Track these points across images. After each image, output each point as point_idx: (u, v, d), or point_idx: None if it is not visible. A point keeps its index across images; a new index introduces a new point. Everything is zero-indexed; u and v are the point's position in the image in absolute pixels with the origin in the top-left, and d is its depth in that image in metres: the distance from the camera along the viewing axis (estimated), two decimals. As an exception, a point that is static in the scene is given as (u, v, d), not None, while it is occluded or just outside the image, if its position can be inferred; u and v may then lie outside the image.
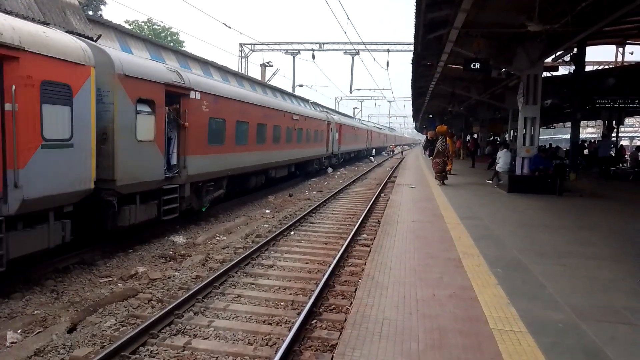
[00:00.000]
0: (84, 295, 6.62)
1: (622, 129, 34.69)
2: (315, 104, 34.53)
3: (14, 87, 6.02)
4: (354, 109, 70.45)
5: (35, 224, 6.66)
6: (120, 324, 5.67)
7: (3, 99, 6.00)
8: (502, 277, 5.55)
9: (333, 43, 36.08)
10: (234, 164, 13.44)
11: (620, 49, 25.49)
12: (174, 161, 10.38)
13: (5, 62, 5.97)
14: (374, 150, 51.56)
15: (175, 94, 10.14)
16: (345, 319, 5.44)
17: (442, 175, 16.59)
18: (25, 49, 6.17)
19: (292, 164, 20.59)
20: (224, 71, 19.19)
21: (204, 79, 12.58)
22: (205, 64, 17.67)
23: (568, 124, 29.22)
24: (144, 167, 9.02)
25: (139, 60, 9.82)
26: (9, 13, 7.23)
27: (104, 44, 9.07)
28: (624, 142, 45.53)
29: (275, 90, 26.51)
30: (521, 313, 4.42)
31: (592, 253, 6.88)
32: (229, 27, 20.96)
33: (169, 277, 7.57)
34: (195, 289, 6.58)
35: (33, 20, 7.86)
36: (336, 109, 52.43)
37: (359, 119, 64.33)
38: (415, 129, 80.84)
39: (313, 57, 35.09)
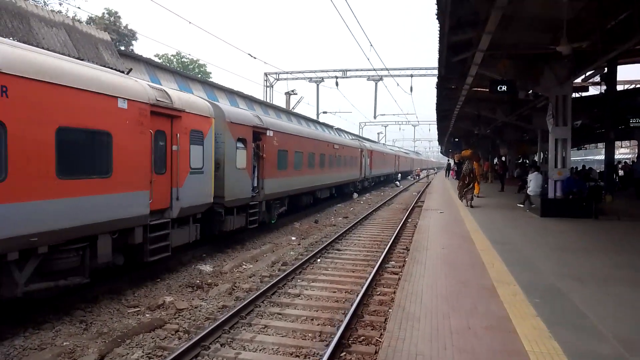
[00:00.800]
0: (112, 326, 6.61)
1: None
2: (343, 131, 38.20)
3: (178, 135, 9.15)
4: (378, 134, 70.47)
5: (182, 226, 9.65)
6: (147, 356, 5.61)
7: (172, 143, 9.07)
8: (541, 306, 5.26)
9: (356, 70, 36.39)
10: (293, 186, 16.70)
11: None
12: (254, 184, 13.40)
13: (174, 120, 9.16)
14: (399, 174, 51.26)
15: (257, 133, 13.28)
16: (376, 352, 5.24)
17: (468, 197, 16.93)
18: (185, 110, 9.36)
19: (333, 187, 23.61)
20: (279, 110, 23.51)
21: (274, 120, 16.70)
22: (251, 101, 20.74)
23: (600, 145, 28.39)
24: (240, 188, 12.23)
25: (238, 110, 14.01)
26: (46, 49, 7.56)
27: (134, 76, 9.41)
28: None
29: (318, 123, 31.24)
30: (564, 347, 4.15)
31: (634, 278, 6.49)
32: (254, 58, 21.42)
33: (195, 307, 7.51)
34: (221, 320, 6.50)
35: (69, 55, 8.23)
36: (360, 134, 52.64)
37: (387, 145, 64.67)
38: (441, 152, 79.98)
39: (337, 84, 35.43)
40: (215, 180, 10.69)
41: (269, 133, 14.06)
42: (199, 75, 39.50)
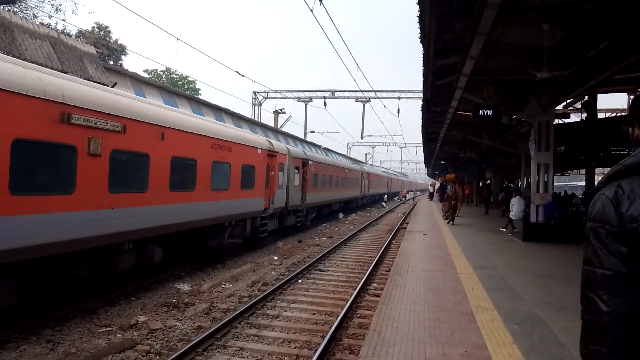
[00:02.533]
0: (81, 346, 6.37)
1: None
2: (347, 157, 46.80)
3: (274, 166, 15.27)
4: (366, 154, 70.90)
5: (272, 219, 15.91)
6: (114, 379, 5.39)
7: (271, 170, 15.08)
8: (519, 334, 5.20)
9: (344, 91, 36.77)
10: (320, 199, 23.37)
11: (632, 97, 25.47)
12: (300, 196, 19.44)
13: (271, 157, 15.02)
14: (385, 196, 51.55)
15: (303, 162, 19.80)
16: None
17: (450, 215, 19.27)
18: (278, 152, 15.86)
19: (342, 201, 30.53)
20: (267, 128, 28.07)
21: (312, 153, 25.09)
22: (238, 119, 25.32)
23: (582, 171, 28.83)
24: (295, 198, 18.52)
25: (296, 148, 21.48)
26: (29, 61, 7.48)
27: (119, 91, 9.30)
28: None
29: (307, 142, 36.77)
30: (540, 376, 4.08)
31: (614, 308, 6.47)
32: (242, 75, 21.50)
33: (169, 327, 7.29)
34: (195, 341, 6.31)
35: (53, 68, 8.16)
36: (348, 155, 52.97)
37: (379, 167, 66.30)
38: (428, 174, 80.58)
39: (325, 104, 35.74)
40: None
41: (309, 162, 20.49)
42: (188, 92, 39.51)
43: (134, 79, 13.75)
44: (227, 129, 12.59)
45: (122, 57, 39.07)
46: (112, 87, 10.06)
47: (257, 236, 14.49)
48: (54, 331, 6.89)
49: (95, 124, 7.21)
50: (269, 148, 14.81)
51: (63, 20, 31.00)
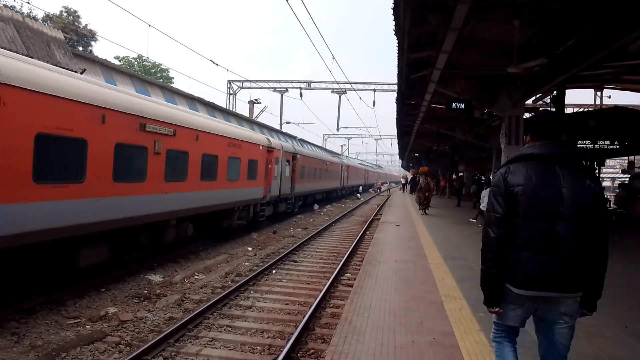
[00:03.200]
0: (48, 339, 6.24)
1: (603, 170, 35.39)
2: (328, 150, 49.19)
3: (271, 160, 17.88)
4: (342, 146, 71.12)
5: (268, 205, 18.39)
6: (83, 371, 5.32)
7: (268, 163, 17.59)
8: (485, 322, 5.36)
9: (320, 82, 36.69)
10: (307, 189, 26.08)
11: (599, 93, 26.29)
12: (290, 186, 22.03)
13: (269, 152, 17.54)
14: (360, 187, 51.99)
15: (293, 156, 22.13)
16: (322, 366, 5.17)
17: (424, 205, 20.65)
18: (274, 148, 18.55)
19: (324, 192, 33.42)
20: (242, 119, 28.69)
21: (300, 148, 27.38)
22: (212, 108, 25.76)
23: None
24: (286, 188, 21.00)
25: (287, 144, 23.73)
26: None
27: (88, 77, 9.15)
28: (606, 183, 46.23)
29: (282, 134, 37.75)
30: (504, 361, 4.22)
31: (576, 296, 6.74)
32: (217, 65, 21.20)
33: (140, 319, 7.22)
34: (166, 332, 6.27)
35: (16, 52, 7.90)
36: (324, 147, 53.06)
37: (356, 159, 67.23)
38: (402, 167, 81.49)
39: (301, 95, 35.61)
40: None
41: (298, 156, 22.88)
42: (161, 80, 38.70)
43: (104, 66, 13.37)
44: (238, 130, 15.63)
45: (92, 43, 37.98)
46: (81, 74, 9.80)
47: (257, 219, 17.39)
48: (19, 323, 6.72)
49: (158, 130, 9.66)
50: (267, 145, 17.64)
51: (28, 2, 29.85)
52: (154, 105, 9.99)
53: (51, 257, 7.78)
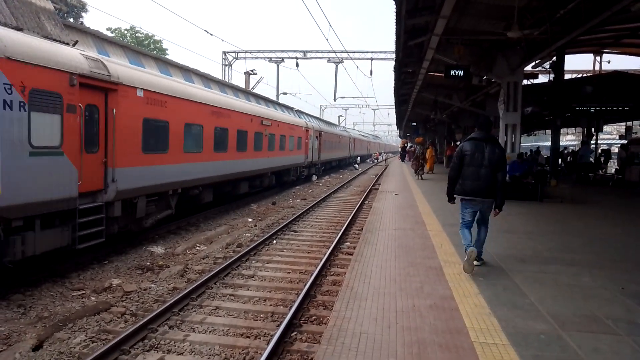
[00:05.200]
0: (54, 310, 6.35)
1: (600, 136, 35.34)
2: (291, 109, 43.21)
3: (308, 136, 26.96)
4: (339, 117, 70.55)
5: (306, 168, 28.23)
6: (91, 340, 5.43)
7: (306, 139, 26.55)
8: (484, 286, 5.46)
9: (317, 51, 36.09)
10: (328, 157, 34.03)
11: (598, 58, 25.99)
12: (318, 155, 29.90)
13: (306, 131, 26.71)
14: (358, 158, 51.99)
15: (319, 133, 29.79)
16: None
17: (420, 172, 22.37)
18: (309, 128, 27.58)
19: (338, 160, 42.11)
20: (238, 90, 26.25)
21: (324, 126, 34.35)
22: (208, 80, 23.64)
23: (549, 131, 29.59)
24: (315, 157, 29.34)
25: (314, 123, 30.59)
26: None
27: (80, 49, 8.98)
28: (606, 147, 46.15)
29: (278, 104, 37.89)
30: (503, 324, 4.32)
31: (573, 259, 6.85)
32: (211, 35, 20.78)
33: (144, 290, 7.33)
34: (171, 302, 6.38)
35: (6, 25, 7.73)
36: (321, 117, 52.82)
37: (343, 127, 66.99)
38: (400, 136, 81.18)
39: (297, 64, 35.06)
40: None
41: (323, 133, 31.37)
42: (155, 52, 37.99)
43: (96, 37, 13.02)
44: (294, 118, 24.93)
45: (83, 14, 37.02)
46: (74, 45, 9.60)
47: (301, 177, 26.38)
48: (25, 296, 6.83)
49: (267, 124, 18.69)
50: (305, 126, 26.11)
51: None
52: (223, 99, 14.67)
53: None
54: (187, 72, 15.51)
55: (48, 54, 7.29)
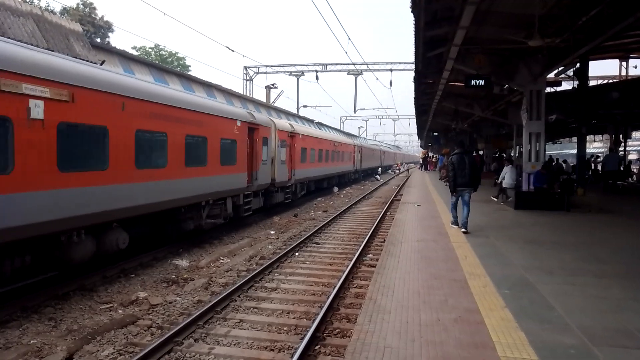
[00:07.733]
0: (83, 323, 6.50)
1: (629, 142, 34.42)
2: (340, 131, 51.71)
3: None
4: (359, 128, 70.68)
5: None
6: (118, 353, 5.54)
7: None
8: (510, 299, 5.37)
9: (336, 64, 36.36)
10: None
11: (624, 63, 25.44)
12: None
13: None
14: (380, 169, 51.92)
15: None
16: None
17: (445, 179, 22.16)
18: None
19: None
20: (259, 104, 28.44)
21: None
22: (229, 95, 26.16)
23: (574, 139, 28.96)
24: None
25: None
26: (13, 39, 7.34)
27: (107, 68, 9.27)
28: (633, 156, 44.79)
29: (303, 119, 38.57)
30: (530, 338, 4.24)
31: (601, 271, 6.67)
32: (232, 50, 21.20)
33: (170, 302, 7.44)
34: (196, 315, 6.46)
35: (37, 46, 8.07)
36: (341, 129, 53.09)
37: (372, 140, 68.48)
38: (421, 146, 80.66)
39: (317, 78, 35.37)
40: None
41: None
42: (178, 69, 38.92)
43: (122, 56, 13.52)
44: (346, 139, 30.68)
45: (109, 34, 38.29)
46: (101, 65, 9.93)
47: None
48: (55, 309, 7.02)
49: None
50: (352, 144, 28.56)
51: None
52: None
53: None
54: (256, 104, 18.13)
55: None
